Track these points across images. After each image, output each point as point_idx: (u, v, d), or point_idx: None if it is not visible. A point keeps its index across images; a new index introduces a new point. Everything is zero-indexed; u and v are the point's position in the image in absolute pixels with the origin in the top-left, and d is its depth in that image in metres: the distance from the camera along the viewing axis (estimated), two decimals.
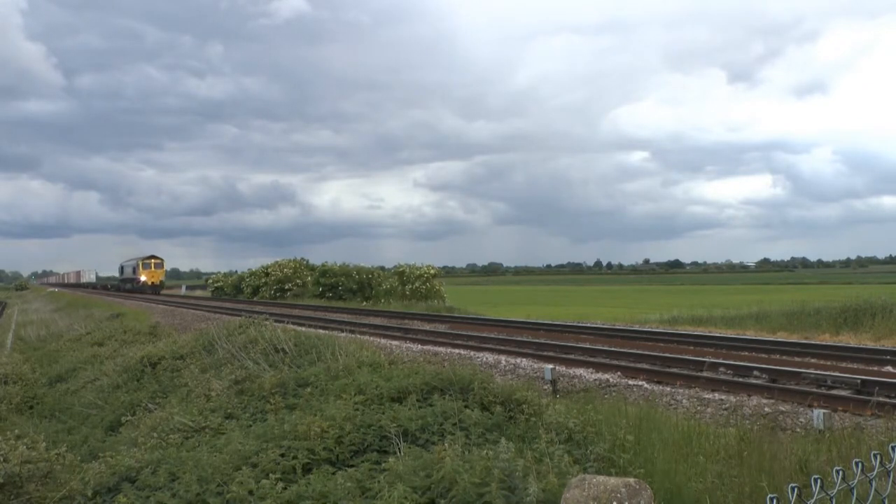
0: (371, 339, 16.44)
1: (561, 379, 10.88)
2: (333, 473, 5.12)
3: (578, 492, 2.35)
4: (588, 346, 14.93)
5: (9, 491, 5.47)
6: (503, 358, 13.40)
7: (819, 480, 2.11)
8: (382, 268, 48.11)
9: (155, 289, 69.51)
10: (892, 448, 2.57)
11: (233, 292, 56.31)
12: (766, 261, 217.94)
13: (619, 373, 11.50)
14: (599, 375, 11.33)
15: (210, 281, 71.11)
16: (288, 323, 18.28)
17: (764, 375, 10.63)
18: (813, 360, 12.60)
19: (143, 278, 70.34)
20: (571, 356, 13.63)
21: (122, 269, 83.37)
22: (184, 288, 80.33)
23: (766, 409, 8.60)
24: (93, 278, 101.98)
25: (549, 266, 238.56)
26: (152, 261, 72.88)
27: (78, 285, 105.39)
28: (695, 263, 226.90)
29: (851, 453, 5.29)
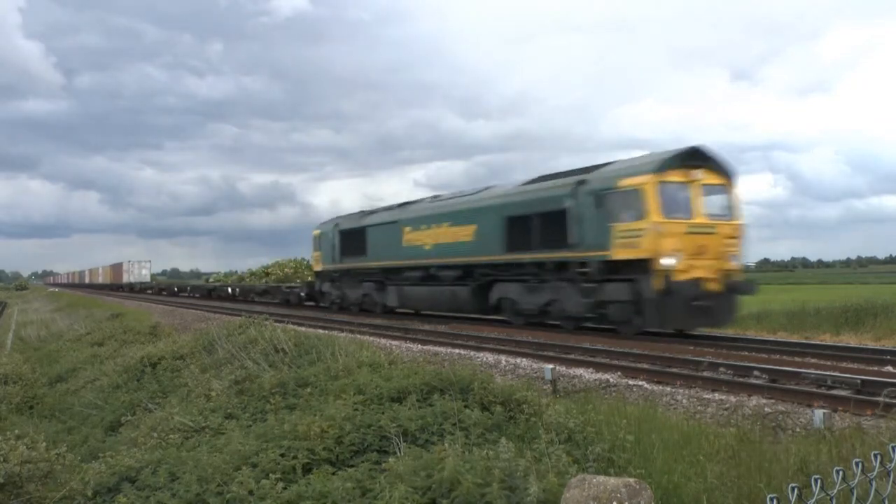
0: (371, 339, 16.42)
1: (561, 379, 10.87)
2: (333, 473, 5.12)
3: (578, 492, 2.35)
4: (588, 346, 14.91)
5: (9, 491, 5.46)
6: (503, 358, 13.38)
7: (819, 480, 2.11)
8: None
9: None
10: (892, 448, 2.57)
11: None
12: (766, 261, 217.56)
13: (619, 373, 11.48)
14: (599, 375, 11.32)
15: (210, 281, 70.39)
16: (288, 323, 18.28)
17: (764, 375, 10.62)
18: (813, 360, 12.57)
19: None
20: (571, 356, 13.61)
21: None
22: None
23: (766, 409, 8.59)
24: (146, 276, 71.57)
25: None
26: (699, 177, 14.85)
27: (118, 287, 71.91)
28: None
29: (851, 453, 5.29)
